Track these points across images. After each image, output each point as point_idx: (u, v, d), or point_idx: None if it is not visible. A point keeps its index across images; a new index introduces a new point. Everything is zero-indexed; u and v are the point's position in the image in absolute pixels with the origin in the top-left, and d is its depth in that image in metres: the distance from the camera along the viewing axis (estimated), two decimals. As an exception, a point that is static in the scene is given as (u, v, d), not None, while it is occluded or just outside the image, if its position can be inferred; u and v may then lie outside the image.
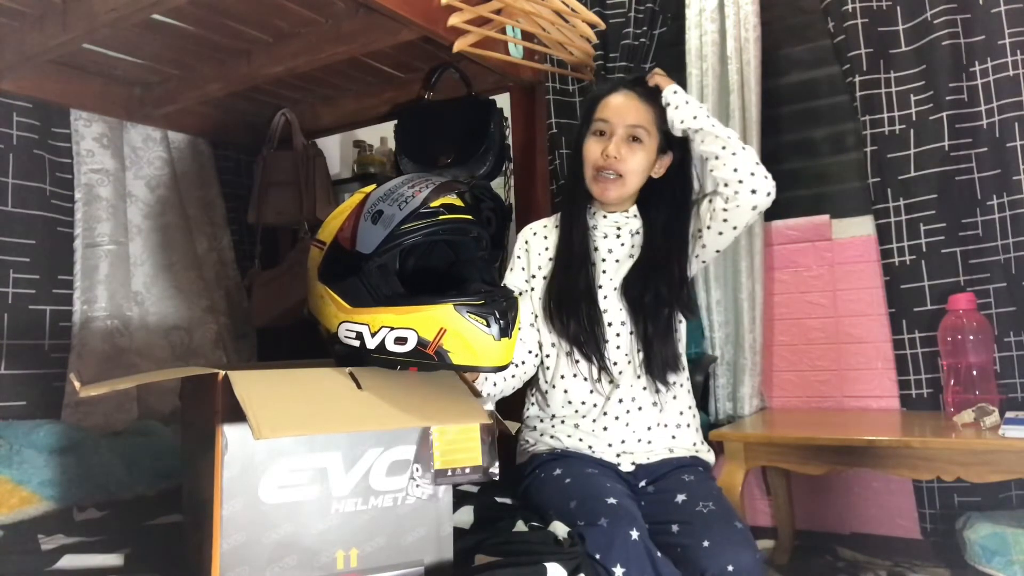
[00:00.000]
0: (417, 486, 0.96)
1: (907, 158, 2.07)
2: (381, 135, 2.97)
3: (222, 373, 0.84)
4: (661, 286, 1.40)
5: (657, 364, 1.38)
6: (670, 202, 1.45)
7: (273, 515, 0.86)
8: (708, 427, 2.11)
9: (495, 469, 1.04)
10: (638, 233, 1.47)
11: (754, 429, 1.98)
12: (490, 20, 1.65)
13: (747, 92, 2.24)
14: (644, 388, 1.40)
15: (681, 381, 1.45)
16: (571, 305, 1.39)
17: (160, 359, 2.12)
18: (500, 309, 0.99)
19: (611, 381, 1.39)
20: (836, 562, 2.11)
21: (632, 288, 1.41)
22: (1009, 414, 1.67)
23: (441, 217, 1.01)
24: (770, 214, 2.32)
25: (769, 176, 1.37)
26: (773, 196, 1.37)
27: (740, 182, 1.35)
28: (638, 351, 1.40)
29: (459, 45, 1.61)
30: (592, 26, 1.94)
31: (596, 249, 1.46)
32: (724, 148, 1.36)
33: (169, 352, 2.15)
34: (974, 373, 1.85)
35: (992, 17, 1.94)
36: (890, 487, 2.14)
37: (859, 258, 2.23)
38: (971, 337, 1.85)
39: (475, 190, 1.10)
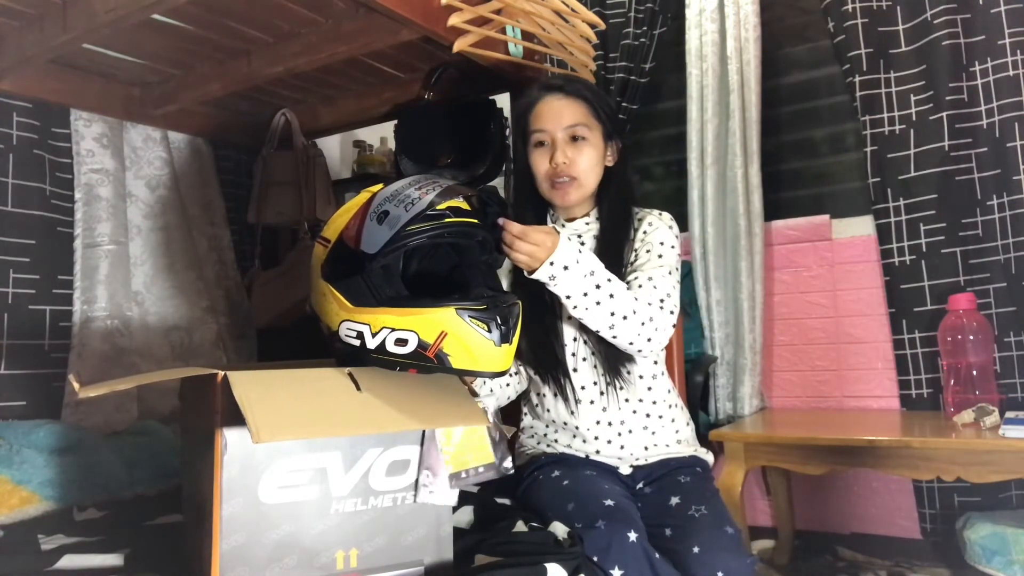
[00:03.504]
0: (431, 492, 0.95)
1: (907, 158, 2.07)
2: (381, 135, 2.97)
3: (222, 374, 0.84)
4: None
5: (611, 356, 1.32)
6: (617, 187, 1.42)
7: (273, 515, 0.86)
8: (708, 427, 2.11)
9: (508, 463, 1.03)
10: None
11: (754, 429, 1.99)
12: (490, 20, 1.65)
13: (747, 92, 2.24)
14: (627, 400, 1.35)
15: (642, 372, 1.37)
16: (530, 330, 1.29)
17: (160, 359, 2.11)
18: (502, 315, 0.99)
19: (592, 403, 1.35)
20: (836, 562, 2.11)
21: None
22: (1009, 414, 1.67)
23: (447, 220, 1.00)
24: (770, 214, 2.32)
25: (660, 327, 1.25)
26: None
27: (640, 351, 1.28)
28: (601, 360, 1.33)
29: (459, 45, 1.61)
30: (592, 26, 1.94)
31: None
32: (610, 328, 1.23)
33: (169, 352, 2.15)
34: (974, 373, 1.85)
35: (992, 17, 1.94)
36: (890, 487, 2.14)
37: (859, 258, 2.23)
38: (971, 337, 1.85)
39: (482, 194, 1.09)
